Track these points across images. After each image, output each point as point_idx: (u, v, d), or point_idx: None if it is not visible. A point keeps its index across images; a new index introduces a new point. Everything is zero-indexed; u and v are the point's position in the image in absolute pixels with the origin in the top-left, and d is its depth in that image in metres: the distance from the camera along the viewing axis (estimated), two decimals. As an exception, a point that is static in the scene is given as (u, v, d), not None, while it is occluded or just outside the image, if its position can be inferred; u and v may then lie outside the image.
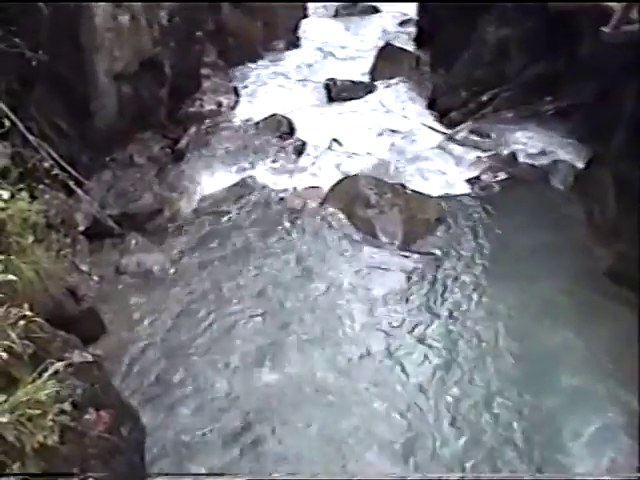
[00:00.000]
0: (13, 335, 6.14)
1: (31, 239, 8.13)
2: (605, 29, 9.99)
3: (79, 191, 12.05)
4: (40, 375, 6.04)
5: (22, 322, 6.28)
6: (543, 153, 14.88)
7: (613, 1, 10.82)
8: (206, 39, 17.36)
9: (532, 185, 14.20)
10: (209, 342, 10.58)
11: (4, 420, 5.54)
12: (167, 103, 15.45)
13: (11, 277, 6.57)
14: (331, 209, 13.37)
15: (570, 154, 14.68)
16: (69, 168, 11.60)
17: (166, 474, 8.68)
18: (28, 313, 6.37)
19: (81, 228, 11.98)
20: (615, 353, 10.12)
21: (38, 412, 5.78)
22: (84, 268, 11.38)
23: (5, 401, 5.67)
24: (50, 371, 6.12)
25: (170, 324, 10.89)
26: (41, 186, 10.00)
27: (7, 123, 9.47)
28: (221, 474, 8.83)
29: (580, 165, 14.23)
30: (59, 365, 6.24)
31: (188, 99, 16.56)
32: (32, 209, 8.47)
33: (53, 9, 11.95)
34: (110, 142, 13.80)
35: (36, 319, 6.56)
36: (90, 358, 7.60)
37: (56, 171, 10.88)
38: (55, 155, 11.32)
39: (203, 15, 16.96)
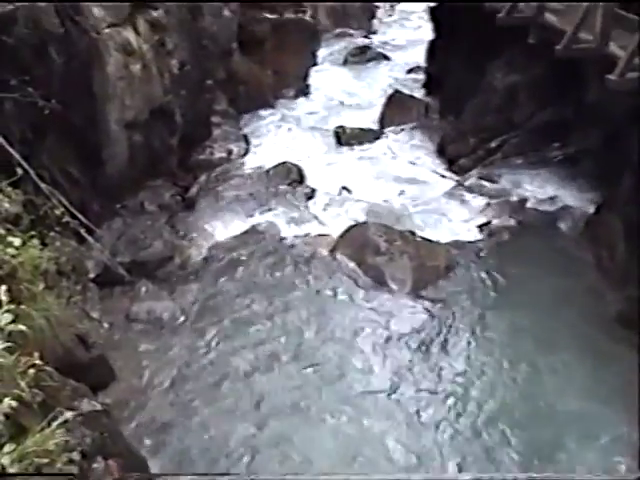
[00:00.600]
0: (23, 384, 6.11)
1: (42, 286, 8.14)
2: (611, 77, 10.04)
3: (90, 238, 12.05)
4: (49, 424, 6.00)
5: (32, 370, 6.25)
6: (552, 199, 14.91)
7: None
8: (217, 87, 17.54)
9: (541, 231, 14.23)
10: (219, 390, 10.51)
11: (13, 470, 5.50)
12: (178, 151, 15.58)
13: (22, 327, 6.56)
14: (341, 256, 13.37)
15: (579, 199, 14.72)
16: (80, 215, 11.60)
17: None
18: (38, 362, 6.36)
19: (92, 275, 12.02)
20: (626, 400, 10.03)
21: (46, 461, 5.74)
22: (94, 315, 11.38)
23: (14, 450, 5.64)
24: (59, 420, 6.08)
25: (179, 371, 10.85)
26: (52, 233, 10.03)
27: (20, 171, 9.56)
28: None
29: (589, 210, 14.24)
30: (68, 415, 6.21)
31: (199, 147, 16.70)
32: (43, 256, 8.49)
33: (66, 58, 12.12)
34: (121, 189, 13.91)
35: (46, 368, 6.54)
36: (99, 407, 7.57)
37: (67, 218, 10.89)
38: (66, 202, 11.35)
39: (214, 63, 17.15)
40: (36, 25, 11.30)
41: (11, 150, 10.13)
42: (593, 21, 11.13)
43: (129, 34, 13.76)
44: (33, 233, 8.39)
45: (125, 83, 13.58)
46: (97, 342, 10.60)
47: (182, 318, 12.01)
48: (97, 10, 12.90)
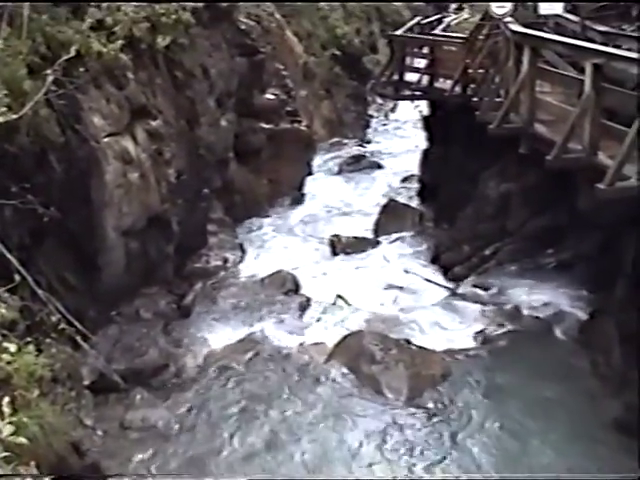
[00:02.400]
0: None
1: (36, 393, 8.20)
2: (600, 186, 10.31)
3: (85, 345, 12.13)
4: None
5: (28, 481, 6.28)
6: (547, 305, 15.03)
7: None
8: (213, 196, 17.86)
9: (537, 337, 14.28)
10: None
11: None
12: (174, 259, 15.77)
13: (22, 440, 6.59)
14: (337, 365, 13.40)
15: (573, 305, 14.84)
16: (76, 322, 11.72)
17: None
18: (35, 471, 6.39)
19: (86, 382, 12.02)
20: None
21: None
22: (88, 422, 11.35)
23: None
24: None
25: (174, 481, 10.78)
26: (48, 340, 10.14)
27: (17, 277, 9.71)
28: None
29: (584, 316, 14.35)
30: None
31: (194, 255, 16.90)
32: (38, 363, 8.59)
33: (66, 166, 12.43)
34: (117, 296, 14.04)
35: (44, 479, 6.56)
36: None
37: (63, 325, 11.00)
38: (62, 309, 11.47)
39: (210, 173, 17.49)
40: (37, 133, 11.62)
41: (9, 256, 10.30)
42: (581, 132, 11.47)
43: (128, 143, 14.09)
44: (29, 339, 8.51)
45: (123, 191, 13.83)
46: (91, 450, 10.57)
47: (177, 427, 11.94)
48: (97, 119, 13.24)
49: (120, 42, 13.52)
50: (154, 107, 15.05)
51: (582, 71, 11.81)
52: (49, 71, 11.79)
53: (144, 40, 14.51)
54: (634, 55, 11.10)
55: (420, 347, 13.88)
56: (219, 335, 14.52)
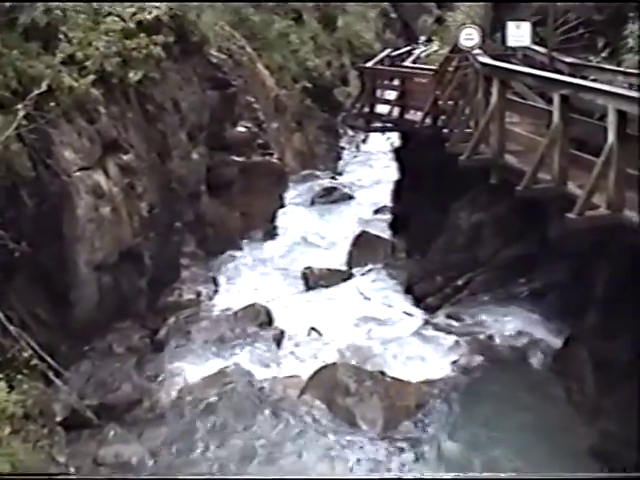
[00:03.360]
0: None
1: (8, 430, 8.18)
2: (570, 215, 10.45)
3: (57, 381, 12.09)
4: None
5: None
6: (520, 334, 15.12)
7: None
8: (185, 229, 17.88)
9: (511, 366, 14.37)
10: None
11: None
12: (147, 293, 15.77)
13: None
14: (311, 398, 13.41)
15: (547, 333, 14.94)
16: (48, 358, 11.70)
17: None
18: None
19: (59, 418, 11.95)
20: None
21: None
22: (61, 459, 11.25)
23: None
24: None
25: (148, 518, 10.72)
26: (19, 376, 10.11)
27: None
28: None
29: (557, 344, 14.44)
30: None
31: (167, 289, 16.88)
32: (10, 399, 8.57)
33: (37, 201, 12.44)
34: (89, 331, 13.99)
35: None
36: None
37: (35, 361, 10.98)
38: (34, 345, 11.45)
39: (183, 206, 17.54)
40: (8, 168, 11.66)
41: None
42: (551, 161, 11.63)
43: (99, 177, 14.14)
44: (0, 376, 8.47)
45: (95, 225, 13.85)
46: (64, 487, 10.51)
47: (151, 462, 11.90)
48: (68, 153, 13.30)
49: (92, 77, 13.60)
50: (125, 141, 15.12)
51: (550, 102, 12.00)
52: (20, 106, 11.85)
53: (115, 74, 14.61)
54: (600, 86, 11.29)
55: (394, 378, 13.94)
56: (193, 369, 14.47)
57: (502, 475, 8.71)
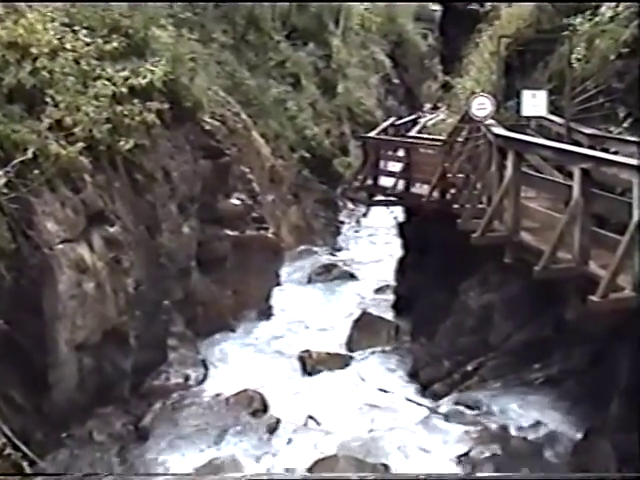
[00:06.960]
0: None
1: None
2: (593, 298, 10.33)
3: (32, 472, 11.87)
4: None
5: None
6: (535, 424, 14.87)
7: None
8: (174, 308, 17.74)
9: (526, 460, 14.08)
10: None
11: None
12: (131, 376, 15.56)
13: None
14: (308, 494, 13.22)
15: (565, 425, 14.70)
16: (22, 446, 11.51)
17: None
18: None
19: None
20: None
21: None
22: None
23: None
24: None
25: None
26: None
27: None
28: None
29: (577, 436, 14.21)
30: None
31: (153, 372, 16.69)
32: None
33: (16, 274, 12.34)
34: (68, 417, 13.76)
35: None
36: None
37: (9, 449, 10.80)
38: (8, 432, 11.26)
39: (171, 282, 17.44)
40: (-14, 240, 11.60)
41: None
42: (570, 240, 11.56)
43: (83, 250, 14.06)
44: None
45: (77, 302, 13.74)
46: None
47: None
48: (51, 224, 13.25)
49: (80, 144, 13.63)
50: (112, 212, 15.10)
51: (569, 176, 11.99)
52: (1, 173, 11.83)
53: (104, 141, 14.64)
54: (624, 159, 11.27)
55: (399, 472, 13.70)
56: (180, 460, 14.24)
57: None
